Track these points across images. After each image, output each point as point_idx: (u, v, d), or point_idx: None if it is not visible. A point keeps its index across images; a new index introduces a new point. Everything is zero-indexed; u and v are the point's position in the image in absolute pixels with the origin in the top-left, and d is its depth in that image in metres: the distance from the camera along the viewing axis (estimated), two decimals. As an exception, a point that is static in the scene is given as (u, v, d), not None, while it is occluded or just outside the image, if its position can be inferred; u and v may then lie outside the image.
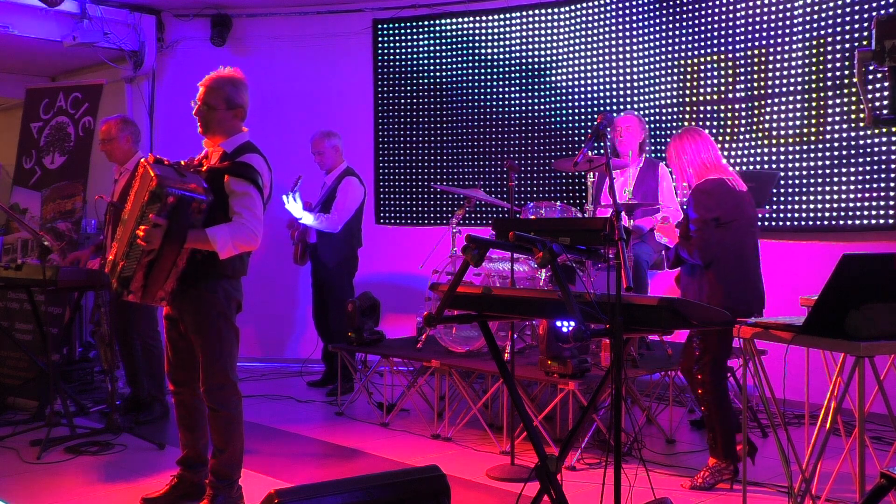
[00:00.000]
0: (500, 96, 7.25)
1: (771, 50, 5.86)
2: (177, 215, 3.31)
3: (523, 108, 7.15)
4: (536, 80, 7.08)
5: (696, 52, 6.22)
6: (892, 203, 5.33)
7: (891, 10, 5.30)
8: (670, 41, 6.35)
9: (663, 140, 6.40)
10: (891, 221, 5.34)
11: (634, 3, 6.55)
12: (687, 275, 4.15)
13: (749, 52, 5.96)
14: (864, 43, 5.34)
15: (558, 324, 4.59)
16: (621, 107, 6.59)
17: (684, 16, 6.27)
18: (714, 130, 6.13)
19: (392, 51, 7.61)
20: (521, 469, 4.31)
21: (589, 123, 6.82)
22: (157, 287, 3.44)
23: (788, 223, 5.79)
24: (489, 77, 7.29)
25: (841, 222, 5.55)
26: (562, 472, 3.04)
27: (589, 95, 6.82)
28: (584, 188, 6.43)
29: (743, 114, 6.00)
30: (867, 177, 5.43)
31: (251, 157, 3.56)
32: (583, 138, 6.84)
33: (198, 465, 3.87)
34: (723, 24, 6.08)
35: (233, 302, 3.64)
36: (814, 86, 5.66)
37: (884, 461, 4.21)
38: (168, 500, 3.79)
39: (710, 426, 4.10)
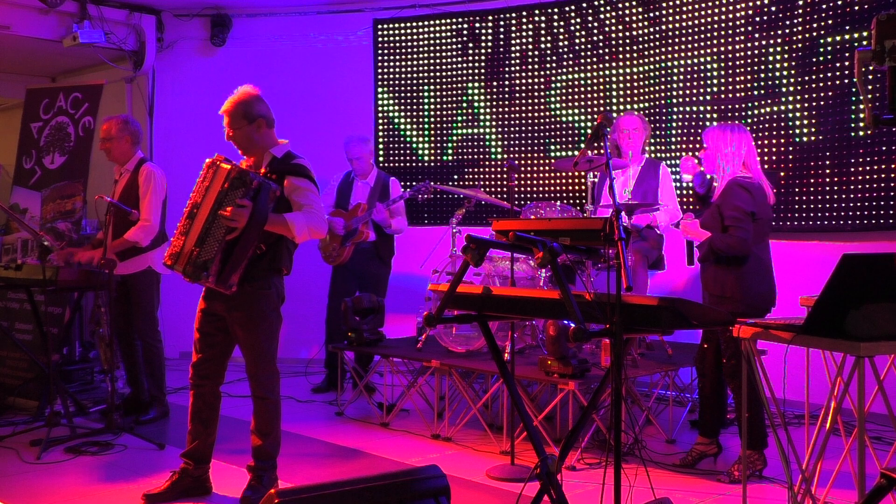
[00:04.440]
0: (500, 96, 7.25)
1: (771, 49, 5.86)
2: (259, 198, 3.58)
3: (523, 107, 7.15)
4: (536, 79, 7.08)
5: (695, 52, 6.22)
6: (892, 203, 5.33)
7: (891, 9, 5.30)
8: (669, 40, 6.35)
9: (663, 141, 6.40)
10: (891, 221, 5.34)
11: (634, 2, 6.55)
12: (715, 267, 4.23)
13: (749, 52, 5.96)
14: (864, 43, 5.35)
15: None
16: (621, 107, 6.59)
17: (684, 15, 6.28)
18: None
19: (392, 51, 7.61)
20: (521, 469, 4.32)
21: (589, 123, 6.82)
22: (233, 271, 3.61)
23: (788, 223, 5.79)
24: (489, 77, 7.29)
25: (841, 222, 5.55)
26: (562, 472, 3.04)
27: (589, 95, 6.82)
28: (584, 188, 6.43)
29: (743, 114, 6.00)
30: (867, 177, 5.43)
31: (302, 159, 3.88)
32: (583, 138, 6.85)
33: (202, 460, 3.91)
34: (723, 23, 6.08)
35: (281, 296, 3.88)
36: (813, 86, 5.66)
37: (884, 461, 4.21)
38: (170, 496, 3.84)
39: (704, 408, 4.45)
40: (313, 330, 7.14)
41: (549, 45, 7.01)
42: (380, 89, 7.67)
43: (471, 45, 7.34)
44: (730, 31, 6.05)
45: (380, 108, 7.68)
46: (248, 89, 3.88)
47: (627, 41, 6.61)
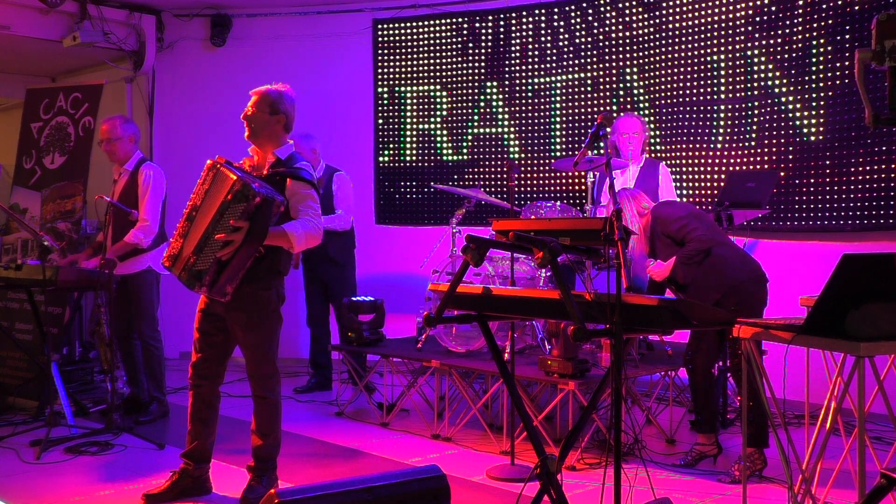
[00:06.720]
0: (500, 96, 7.25)
1: (770, 49, 5.86)
2: (260, 214, 3.54)
3: (524, 107, 7.15)
4: (536, 79, 7.08)
5: (695, 52, 6.21)
6: (892, 203, 5.33)
7: (891, 9, 5.30)
8: (670, 40, 6.35)
9: (663, 140, 6.40)
10: (891, 221, 5.34)
11: (634, 2, 6.55)
12: (699, 278, 4.33)
13: (749, 52, 5.96)
14: (865, 42, 5.34)
15: None
16: (621, 107, 6.59)
17: (684, 15, 6.27)
18: (714, 130, 6.13)
19: (392, 51, 7.61)
20: (521, 469, 4.32)
21: (589, 123, 6.81)
22: (228, 281, 3.61)
23: (788, 223, 5.79)
24: (489, 77, 7.28)
25: (841, 222, 5.55)
26: (562, 472, 3.04)
27: (589, 95, 6.82)
28: (584, 188, 6.43)
29: (743, 114, 6.00)
30: (867, 177, 5.43)
31: (305, 164, 3.87)
32: (583, 138, 6.84)
33: (202, 460, 3.92)
34: (723, 23, 6.08)
35: (281, 297, 3.90)
36: (813, 85, 5.66)
37: (884, 461, 4.21)
38: (170, 496, 3.85)
39: (698, 405, 4.47)
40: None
41: (549, 44, 7.00)
42: (379, 89, 7.67)
43: (471, 44, 7.34)
44: (730, 31, 6.05)
45: (379, 108, 7.67)
46: (284, 87, 3.95)
47: (628, 40, 6.60)
